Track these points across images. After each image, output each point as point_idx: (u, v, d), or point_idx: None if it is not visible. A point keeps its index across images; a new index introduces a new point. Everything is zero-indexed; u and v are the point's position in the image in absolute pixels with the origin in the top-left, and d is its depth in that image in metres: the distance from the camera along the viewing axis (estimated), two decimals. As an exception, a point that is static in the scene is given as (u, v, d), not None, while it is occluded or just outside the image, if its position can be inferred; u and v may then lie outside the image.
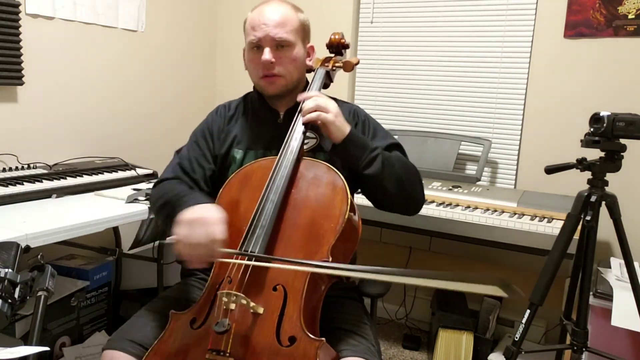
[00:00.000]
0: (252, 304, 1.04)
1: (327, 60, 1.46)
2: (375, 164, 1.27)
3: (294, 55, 1.35)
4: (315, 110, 1.23)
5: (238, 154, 1.39)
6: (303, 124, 1.26)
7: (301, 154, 1.24)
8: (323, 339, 1.02)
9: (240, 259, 1.10)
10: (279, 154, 1.24)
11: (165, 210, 1.26)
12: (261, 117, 1.43)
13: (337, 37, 1.47)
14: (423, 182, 1.39)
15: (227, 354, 1.02)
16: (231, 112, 1.46)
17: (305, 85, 1.45)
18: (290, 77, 1.36)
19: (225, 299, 1.05)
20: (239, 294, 1.05)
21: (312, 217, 1.16)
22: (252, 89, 1.49)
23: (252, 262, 1.09)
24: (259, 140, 1.39)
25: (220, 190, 1.26)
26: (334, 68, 1.44)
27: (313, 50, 1.44)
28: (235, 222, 1.19)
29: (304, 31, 1.39)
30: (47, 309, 1.09)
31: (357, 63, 1.47)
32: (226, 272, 1.13)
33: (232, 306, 1.05)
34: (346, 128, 1.26)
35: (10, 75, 1.95)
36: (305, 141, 1.28)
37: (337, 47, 1.48)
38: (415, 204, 1.38)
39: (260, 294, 1.08)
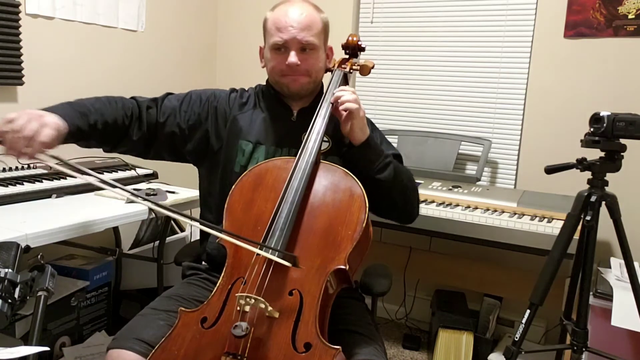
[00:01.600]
0: (269, 308, 1.03)
1: (344, 62, 1.44)
2: (388, 170, 1.29)
3: (318, 59, 1.35)
4: (353, 103, 1.25)
5: (247, 146, 1.37)
6: (332, 113, 1.27)
7: (318, 156, 1.23)
8: (339, 347, 1.01)
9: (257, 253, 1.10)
10: (297, 156, 1.22)
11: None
12: (274, 112, 1.42)
13: (354, 39, 1.45)
14: (423, 182, 1.40)
15: (245, 358, 1.00)
16: (243, 100, 1.45)
17: (320, 88, 1.45)
18: (314, 77, 1.36)
19: (242, 302, 1.04)
20: (258, 297, 1.03)
21: (330, 223, 1.14)
22: (257, 83, 1.49)
23: (270, 255, 1.07)
24: (269, 135, 1.38)
25: (232, 187, 1.25)
26: (351, 71, 1.43)
27: (332, 51, 1.44)
28: (249, 221, 1.18)
29: (325, 33, 1.39)
30: (47, 309, 1.09)
31: (373, 67, 1.46)
32: (240, 273, 1.12)
33: (247, 308, 1.04)
34: (367, 130, 1.29)
35: (10, 75, 1.95)
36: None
37: (353, 48, 1.46)
38: (411, 215, 1.42)
39: (275, 298, 1.07)
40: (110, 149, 1.37)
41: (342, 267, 1.09)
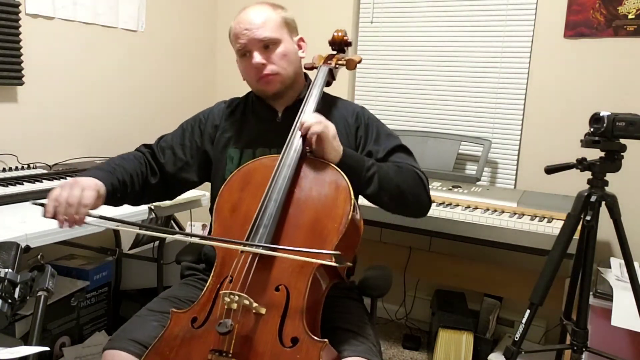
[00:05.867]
0: (254, 304, 1.04)
1: (329, 57, 1.44)
2: (372, 184, 1.26)
3: (284, 51, 1.34)
4: (316, 127, 1.20)
5: (235, 153, 1.39)
6: (301, 136, 1.24)
7: (304, 152, 1.23)
8: (326, 340, 1.02)
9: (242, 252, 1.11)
10: (282, 153, 1.23)
11: None
12: (260, 116, 1.43)
13: (340, 34, 1.45)
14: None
15: (230, 355, 1.01)
16: (230, 109, 1.46)
17: (305, 82, 1.44)
18: (285, 73, 1.35)
19: (227, 299, 1.05)
20: (242, 294, 1.04)
21: (315, 217, 1.15)
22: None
23: (260, 251, 1.09)
24: (257, 139, 1.39)
25: (221, 188, 1.26)
26: (337, 66, 1.43)
27: (303, 41, 1.43)
28: (237, 220, 1.19)
29: (288, 26, 1.37)
30: (47, 309, 1.09)
31: (360, 61, 1.46)
32: (228, 272, 1.13)
33: (234, 306, 1.05)
34: (339, 151, 1.23)
35: (10, 75, 1.95)
36: None
37: (339, 44, 1.46)
38: (420, 208, 1.37)
39: (262, 294, 1.08)
40: (139, 200, 1.40)
41: (328, 260, 1.09)
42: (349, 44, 1.47)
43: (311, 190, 1.19)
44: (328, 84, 1.44)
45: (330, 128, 1.22)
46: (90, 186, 1.13)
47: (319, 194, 1.18)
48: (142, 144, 1.44)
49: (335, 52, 1.47)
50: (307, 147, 1.24)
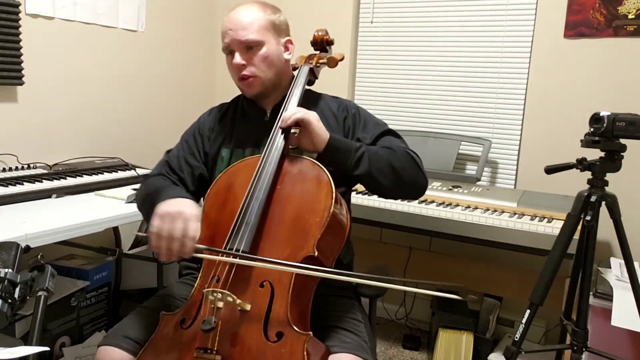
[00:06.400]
0: (238, 301, 1.05)
1: (310, 57, 1.46)
2: (362, 163, 1.26)
3: (265, 54, 1.34)
4: (297, 115, 1.22)
5: (225, 153, 1.40)
6: (281, 129, 1.25)
7: (286, 150, 1.24)
8: (310, 332, 1.02)
9: (226, 257, 1.11)
10: (264, 152, 1.24)
11: (146, 204, 1.28)
12: (250, 116, 1.44)
13: (320, 33, 1.47)
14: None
15: (214, 352, 1.02)
16: (222, 112, 1.48)
17: (290, 81, 1.44)
18: (264, 76, 1.35)
19: (211, 297, 1.06)
20: (224, 291, 1.05)
21: (298, 212, 1.16)
22: None
23: (237, 260, 1.09)
24: (246, 139, 1.40)
25: (208, 190, 1.27)
26: (318, 65, 1.44)
27: (291, 42, 1.43)
28: (223, 220, 1.19)
29: (274, 28, 1.37)
30: (47, 309, 1.09)
31: (342, 59, 1.47)
32: (214, 271, 1.14)
33: (220, 304, 1.05)
34: (326, 135, 1.25)
35: (10, 75, 1.95)
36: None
37: (320, 43, 1.48)
38: (417, 187, 1.34)
39: (246, 290, 1.09)
40: None
41: (311, 254, 1.10)
42: (330, 42, 1.48)
43: (293, 186, 1.20)
44: (310, 82, 1.46)
45: (312, 114, 1.23)
46: (193, 216, 1.09)
47: (301, 190, 1.19)
48: (158, 169, 1.42)
49: (317, 52, 1.48)
50: (290, 146, 1.25)
